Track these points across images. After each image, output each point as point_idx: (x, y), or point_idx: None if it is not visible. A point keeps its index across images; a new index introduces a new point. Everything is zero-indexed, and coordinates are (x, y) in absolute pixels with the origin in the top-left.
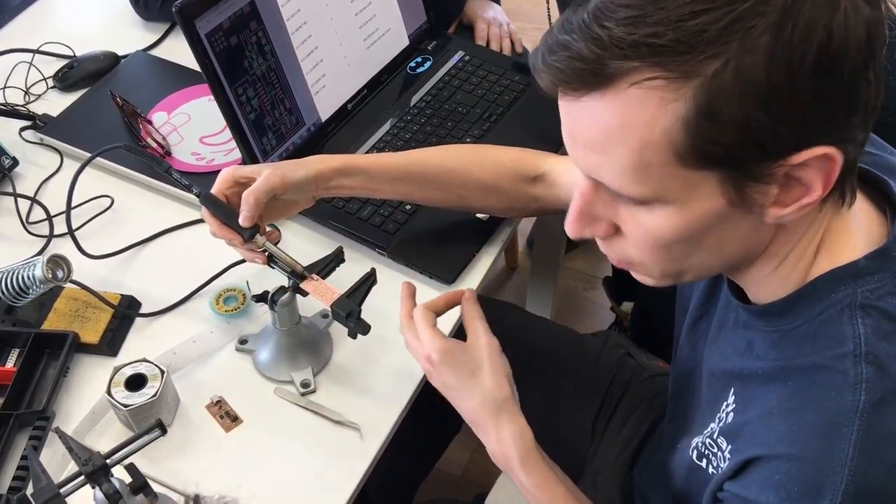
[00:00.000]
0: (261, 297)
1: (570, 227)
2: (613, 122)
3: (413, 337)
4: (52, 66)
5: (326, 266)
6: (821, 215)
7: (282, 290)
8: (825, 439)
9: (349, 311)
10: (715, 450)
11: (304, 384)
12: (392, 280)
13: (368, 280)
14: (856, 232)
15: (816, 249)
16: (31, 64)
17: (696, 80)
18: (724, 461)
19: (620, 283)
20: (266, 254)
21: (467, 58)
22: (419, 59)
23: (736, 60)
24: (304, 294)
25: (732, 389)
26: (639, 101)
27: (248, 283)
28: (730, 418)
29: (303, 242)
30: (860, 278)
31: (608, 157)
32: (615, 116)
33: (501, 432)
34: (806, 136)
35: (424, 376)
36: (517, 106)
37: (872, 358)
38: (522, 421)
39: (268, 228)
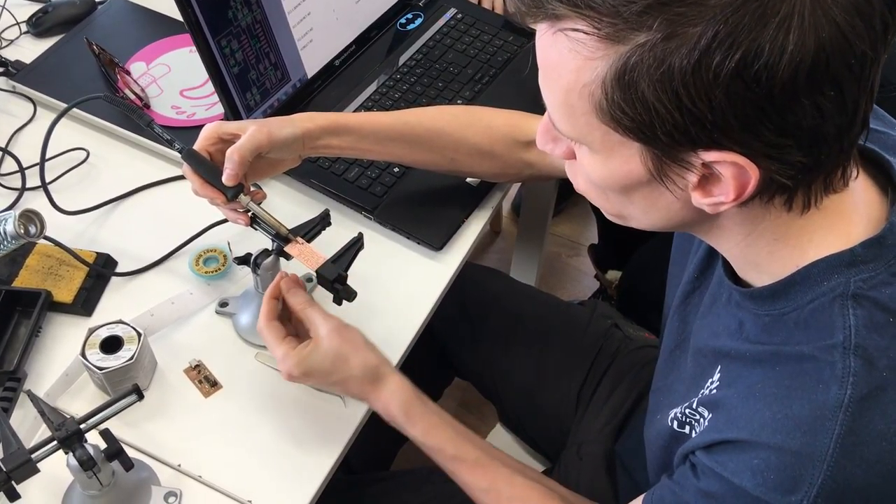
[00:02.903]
0: (243, 260)
1: (537, 139)
2: (551, 57)
3: (270, 343)
4: (26, 11)
5: (312, 229)
6: (773, 214)
7: (265, 252)
8: (808, 432)
9: (335, 276)
10: (697, 416)
11: None
12: (379, 245)
13: (355, 245)
14: (857, 215)
15: (809, 235)
16: (3, 7)
17: (623, 47)
18: (705, 426)
19: (606, 251)
20: (249, 214)
21: (459, 15)
22: (410, 16)
23: (662, 43)
24: (288, 258)
25: (719, 367)
26: (568, 49)
27: (229, 243)
28: (713, 393)
29: (288, 204)
30: (854, 267)
31: (548, 88)
32: (552, 53)
33: (381, 394)
34: (716, 138)
35: (409, 344)
36: (510, 67)
37: (862, 351)
38: (396, 377)
39: (252, 188)
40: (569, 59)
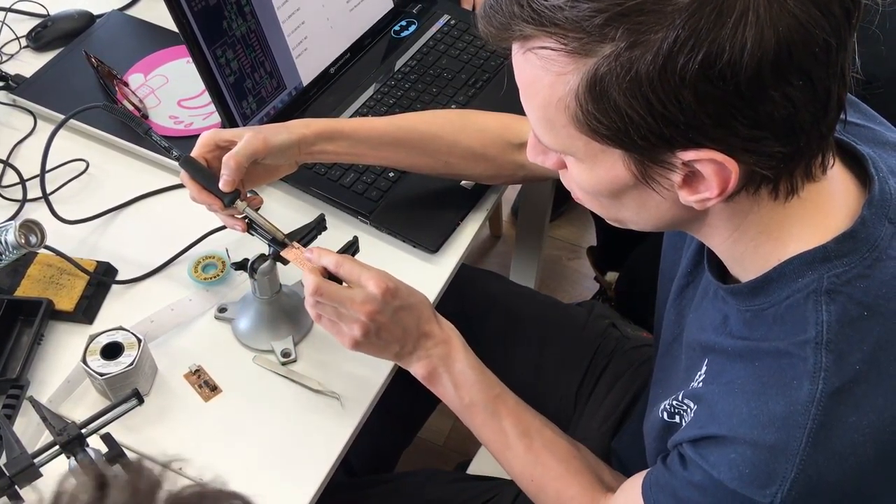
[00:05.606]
0: (240, 265)
1: (528, 153)
2: (526, 75)
3: (342, 291)
4: (26, 25)
5: (308, 234)
6: (759, 206)
7: (262, 257)
8: (782, 427)
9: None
10: (685, 407)
11: (285, 353)
12: (375, 248)
13: (350, 248)
14: (834, 207)
15: (788, 227)
16: (3, 22)
17: (591, 60)
18: (691, 418)
19: (605, 252)
20: (246, 220)
21: (453, 22)
22: (404, 23)
23: (627, 51)
24: (285, 262)
25: (706, 360)
26: (539, 66)
27: (227, 250)
28: (698, 387)
29: (284, 209)
30: (828, 262)
31: (527, 104)
32: (526, 71)
33: (441, 331)
34: (692, 137)
35: None
36: (503, 72)
37: (833, 346)
38: (443, 319)
39: (249, 194)
40: (542, 75)
